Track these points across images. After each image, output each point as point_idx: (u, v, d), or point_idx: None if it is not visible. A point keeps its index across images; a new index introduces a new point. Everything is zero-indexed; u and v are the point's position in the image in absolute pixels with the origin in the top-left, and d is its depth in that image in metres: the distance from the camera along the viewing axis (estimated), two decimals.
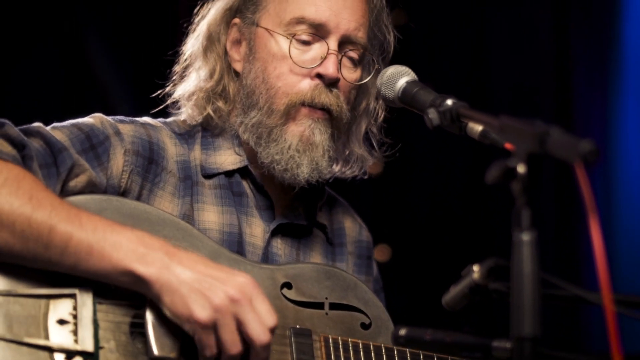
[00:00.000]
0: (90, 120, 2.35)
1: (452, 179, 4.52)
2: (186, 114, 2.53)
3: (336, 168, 2.61)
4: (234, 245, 2.41)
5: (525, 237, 1.54)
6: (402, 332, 1.81)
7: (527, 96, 4.46)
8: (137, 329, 2.10)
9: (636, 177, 4.18)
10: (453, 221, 4.48)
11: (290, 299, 2.32)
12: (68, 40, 4.23)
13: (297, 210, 2.55)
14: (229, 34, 2.52)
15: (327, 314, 2.36)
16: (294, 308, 2.31)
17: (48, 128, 2.25)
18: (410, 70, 2.36)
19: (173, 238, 2.21)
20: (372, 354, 2.33)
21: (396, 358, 2.36)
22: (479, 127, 2.06)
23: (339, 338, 2.31)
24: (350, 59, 2.48)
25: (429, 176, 4.52)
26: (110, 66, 4.30)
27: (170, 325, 2.08)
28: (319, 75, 2.42)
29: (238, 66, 2.51)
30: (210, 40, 2.51)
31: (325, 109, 2.43)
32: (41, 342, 2.01)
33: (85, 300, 2.07)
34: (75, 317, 2.05)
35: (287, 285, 2.33)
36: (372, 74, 2.50)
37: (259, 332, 2.06)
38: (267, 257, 2.46)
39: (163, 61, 2.66)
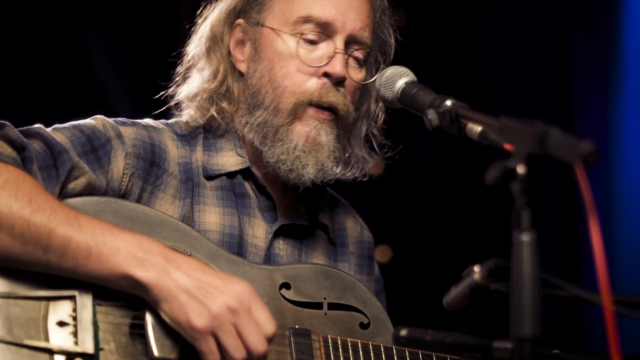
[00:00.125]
0: (92, 122, 2.35)
1: (452, 179, 4.51)
2: (189, 115, 2.52)
3: (337, 170, 2.61)
4: (235, 246, 2.41)
5: (525, 237, 1.54)
6: (403, 332, 1.81)
7: (527, 96, 4.46)
8: (137, 330, 2.10)
9: (636, 177, 4.18)
10: (453, 222, 4.48)
11: (289, 299, 2.32)
12: (68, 40, 4.23)
13: (299, 211, 2.55)
14: (232, 34, 2.52)
15: (325, 314, 2.36)
16: (293, 308, 2.31)
17: (49, 130, 2.25)
18: (409, 71, 2.36)
19: (172, 239, 2.21)
20: (371, 353, 2.33)
21: (395, 357, 2.36)
22: (478, 128, 2.06)
23: (338, 338, 2.32)
24: (356, 59, 2.48)
25: (429, 177, 4.51)
26: (110, 66, 4.30)
27: (170, 327, 2.08)
28: (326, 75, 2.42)
29: (242, 66, 2.51)
30: (214, 41, 2.51)
31: (332, 109, 2.43)
32: (41, 344, 2.01)
33: (85, 302, 2.07)
34: (75, 318, 2.05)
35: (286, 285, 2.33)
36: (375, 75, 2.50)
37: (256, 341, 2.06)
38: (269, 258, 2.46)
39: (163, 62, 2.66)
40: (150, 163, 2.37)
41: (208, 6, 2.58)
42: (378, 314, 2.44)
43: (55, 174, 2.16)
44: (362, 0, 2.49)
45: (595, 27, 4.42)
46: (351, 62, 2.47)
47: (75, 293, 2.07)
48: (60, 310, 2.05)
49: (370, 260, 2.74)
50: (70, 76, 4.25)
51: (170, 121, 2.54)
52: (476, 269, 1.74)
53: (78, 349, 2.02)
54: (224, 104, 2.49)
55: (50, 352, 2.01)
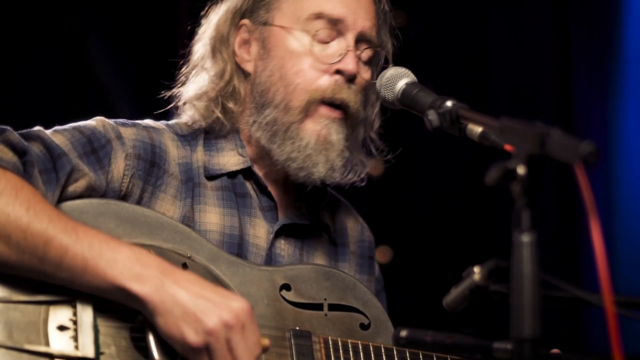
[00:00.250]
0: (92, 123, 2.35)
1: (452, 180, 4.51)
2: (192, 116, 2.52)
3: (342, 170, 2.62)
4: (235, 247, 2.41)
5: (525, 238, 1.53)
6: (403, 333, 1.81)
7: (527, 96, 4.46)
8: (138, 334, 2.09)
9: (636, 177, 4.18)
10: (453, 222, 4.48)
11: (289, 300, 2.32)
12: (68, 40, 4.23)
13: (300, 210, 2.55)
14: (237, 35, 2.52)
15: (326, 315, 2.36)
16: (293, 310, 2.31)
17: (49, 132, 2.25)
18: (409, 72, 2.36)
19: (171, 241, 2.20)
20: (372, 354, 2.33)
21: (396, 358, 2.36)
22: (478, 129, 2.06)
23: (339, 339, 2.31)
24: (365, 57, 2.49)
25: (429, 177, 4.51)
26: (110, 67, 4.30)
27: None
28: (338, 72, 2.43)
29: (249, 66, 2.51)
30: (219, 42, 2.51)
31: (343, 107, 2.43)
32: (42, 348, 2.00)
33: (85, 306, 2.06)
34: (75, 322, 2.04)
35: (286, 286, 2.33)
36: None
37: None
38: (270, 258, 2.46)
39: (164, 62, 2.66)
40: (150, 164, 2.37)
41: (212, 8, 2.58)
42: (378, 314, 2.44)
43: (55, 178, 2.15)
44: (369, 1, 2.51)
45: (595, 27, 4.42)
46: (361, 60, 2.48)
47: (76, 297, 2.05)
48: (61, 314, 2.04)
49: (371, 260, 2.74)
50: (70, 76, 4.25)
51: (170, 122, 2.54)
52: (476, 269, 1.74)
53: (79, 354, 2.02)
54: (230, 104, 2.49)
55: (51, 356, 2.01)
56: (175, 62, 2.62)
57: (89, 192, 2.23)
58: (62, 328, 2.03)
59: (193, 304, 2.03)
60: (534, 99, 4.48)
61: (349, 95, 2.43)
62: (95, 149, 2.28)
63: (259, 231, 2.47)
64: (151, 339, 2.06)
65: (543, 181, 4.28)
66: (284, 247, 2.49)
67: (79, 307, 2.06)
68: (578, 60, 4.44)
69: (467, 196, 4.46)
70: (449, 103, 2.11)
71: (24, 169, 2.09)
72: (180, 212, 2.37)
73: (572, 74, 4.44)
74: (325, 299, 2.37)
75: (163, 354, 2.06)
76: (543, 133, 1.56)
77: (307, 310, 2.33)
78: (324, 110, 2.42)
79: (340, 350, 2.30)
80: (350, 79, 2.44)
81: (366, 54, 2.49)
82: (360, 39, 2.47)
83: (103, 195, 2.26)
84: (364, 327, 2.41)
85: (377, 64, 2.55)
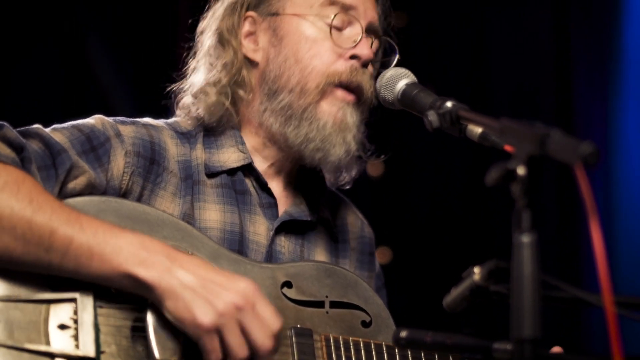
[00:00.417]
0: (91, 121, 2.35)
1: (452, 180, 4.52)
2: (199, 109, 2.52)
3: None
4: (235, 244, 2.41)
5: (526, 238, 1.54)
6: (403, 334, 1.81)
7: (527, 97, 4.46)
8: (139, 333, 2.09)
9: (636, 177, 4.18)
10: (453, 223, 4.48)
11: (290, 298, 2.32)
12: (68, 40, 4.23)
13: (300, 206, 2.56)
14: (242, 26, 2.54)
15: (327, 312, 2.36)
16: (295, 307, 2.31)
17: (48, 130, 2.25)
18: (409, 72, 2.37)
19: (172, 239, 2.20)
20: (373, 352, 2.33)
21: (397, 357, 2.36)
22: (478, 129, 2.06)
23: (340, 337, 2.31)
24: (374, 48, 2.53)
25: (429, 177, 4.52)
26: (110, 66, 4.30)
27: (172, 329, 2.07)
28: (352, 57, 2.46)
29: (257, 55, 2.52)
30: (228, 32, 2.53)
31: (357, 91, 2.46)
32: (42, 348, 2.00)
33: (86, 305, 2.06)
34: (76, 321, 2.04)
35: (288, 284, 2.33)
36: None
37: (263, 339, 2.06)
38: (270, 255, 2.46)
39: (163, 62, 2.66)
40: (150, 161, 2.37)
41: (214, 3, 2.60)
42: (380, 312, 2.44)
43: (54, 174, 2.16)
44: None
45: (595, 27, 4.42)
46: (373, 47, 2.52)
47: (76, 295, 2.05)
48: (61, 313, 2.04)
49: (371, 256, 2.74)
50: (70, 76, 4.25)
51: (170, 120, 2.55)
52: (476, 270, 1.74)
53: (79, 353, 2.02)
54: (240, 92, 2.51)
55: (52, 355, 2.00)
56: (175, 62, 2.62)
57: (89, 190, 2.24)
58: (62, 327, 2.03)
59: (201, 286, 2.03)
60: (534, 99, 4.48)
61: (365, 80, 2.47)
62: (95, 147, 2.28)
63: (259, 228, 2.48)
64: (152, 337, 2.06)
65: (544, 182, 4.29)
66: (284, 244, 2.50)
67: (80, 306, 2.06)
68: (578, 60, 4.44)
69: (467, 196, 4.47)
70: (449, 104, 2.11)
71: (22, 165, 2.09)
72: (180, 210, 2.37)
73: (572, 74, 4.44)
74: (326, 297, 2.37)
75: (164, 352, 2.06)
76: (543, 134, 1.56)
77: (308, 308, 2.32)
78: (340, 92, 2.45)
79: (342, 348, 2.30)
80: (364, 64, 2.47)
81: (375, 44, 2.53)
82: (369, 29, 2.51)
83: (104, 193, 2.27)
84: (366, 324, 2.41)
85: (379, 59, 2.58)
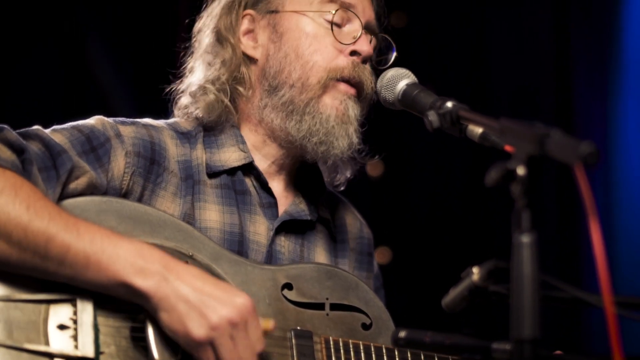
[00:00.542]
0: (91, 122, 2.35)
1: (452, 180, 4.52)
2: (198, 108, 2.52)
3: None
4: (235, 244, 2.41)
5: (525, 238, 1.54)
6: (402, 334, 1.81)
7: (527, 97, 4.46)
8: (138, 334, 2.08)
9: (636, 177, 4.18)
10: (453, 223, 4.48)
11: (291, 300, 2.31)
12: (68, 40, 4.23)
13: (299, 206, 2.56)
14: (241, 24, 2.55)
15: (327, 314, 2.35)
16: (295, 309, 2.31)
17: (48, 131, 2.25)
18: (410, 73, 2.37)
19: (174, 239, 2.20)
20: (373, 355, 2.33)
21: (397, 359, 2.36)
22: (479, 130, 2.06)
23: (340, 339, 2.31)
24: (372, 46, 2.55)
25: (429, 178, 4.52)
26: (110, 66, 4.30)
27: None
28: (353, 54, 2.48)
29: (256, 52, 2.54)
30: (226, 30, 2.54)
31: (359, 86, 2.49)
32: (41, 348, 2.00)
33: (86, 305, 2.06)
34: (75, 322, 2.04)
35: (288, 286, 2.32)
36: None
37: (248, 358, 2.06)
38: (271, 255, 2.46)
39: (163, 62, 2.66)
40: (150, 161, 2.37)
41: (211, 2, 2.61)
42: (380, 314, 2.44)
43: (55, 175, 2.15)
44: None
45: (595, 27, 4.42)
46: (371, 44, 2.54)
47: (76, 296, 2.05)
48: (61, 313, 2.04)
49: (370, 257, 2.74)
50: (70, 76, 4.25)
51: (170, 120, 2.56)
52: (475, 270, 1.74)
53: (78, 353, 2.01)
54: (240, 89, 2.52)
55: (51, 356, 2.00)
56: (174, 62, 2.62)
57: (91, 190, 2.23)
58: (62, 327, 2.03)
59: (197, 299, 2.03)
60: (534, 99, 4.48)
61: (365, 76, 2.49)
62: (95, 147, 2.28)
63: (259, 228, 2.48)
64: (151, 338, 2.06)
65: (544, 182, 4.29)
66: (284, 244, 2.50)
67: (80, 306, 2.05)
68: (578, 60, 4.44)
69: (467, 196, 4.47)
70: (449, 104, 2.11)
71: (23, 167, 2.08)
72: (181, 210, 2.37)
73: (572, 74, 4.45)
74: (327, 299, 2.37)
75: (163, 353, 2.06)
76: (543, 134, 1.56)
77: (308, 310, 2.32)
78: (342, 86, 2.48)
79: (341, 351, 2.30)
80: (364, 60, 2.50)
81: (373, 42, 2.55)
82: (367, 27, 2.53)
83: (105, 193, 2.26)
84: (366, 327, 2.41)
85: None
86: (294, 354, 2.23)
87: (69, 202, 2.14)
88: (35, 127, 2.23)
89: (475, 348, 1.77)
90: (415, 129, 2.48)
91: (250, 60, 2.55)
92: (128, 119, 2.43)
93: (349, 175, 2.67)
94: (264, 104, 2.51)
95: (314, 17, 2.49)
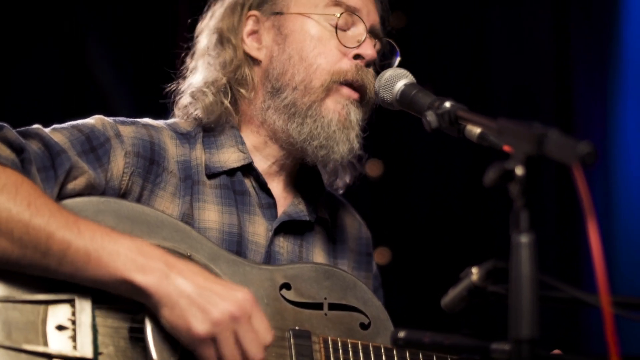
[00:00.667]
0: (91, 121, 2.35)
1: (451, 181, 4.51)
2: (197, 109, 2.52)
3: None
4: (234, 244, 2.41)
5: (524, 239, 1.54)
6: (401, 334, 1.81)
7: (527, 97, 4.46)
8: (137, 334, 2.08)
9: (636, 177, 4.17)
10: (452, 223, 4.48)
11: (289, 300, 2.32)
12: (68, 40, 4.23)
13: (298, 206, 2.56)
14: (245, 25, 2.55)
15: (326, 314, 2.36)
16: (293, 309, 2.31)
17: (48, 130, 2.25)
18: (408, 73, 2.38)
19: (172, 240, 2.20)
20: (372, 354, 2.33)
21: (395, 358, 2.36)
22: (477, 130, 2.07)
23: (338, 339, 2.31)
24: (376, 50, 2.55)
25: (429, 178, 4.51)
26: (110, 66, 4.30)
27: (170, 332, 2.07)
28: (356, 57, 2.49)
29: (260, 54, 2.54)
30: (228, 31, 2.54)
31: (362, 90, 2.49)
32: (40, 348, 2.00)
33: (84, 306, 2.06)
34: (74, 322, 2.04)
35: (286, 286, 2.33)
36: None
37: (255, 351, 2.06)
38: (269, 255, 2.46)
39: (163, 62, 2.66)
40: (150, 161, 2.37)
41: (214, 3, 2.62)
42: (379, 314, 2.44)
43: (53, 175, 2.16)
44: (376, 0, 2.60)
45: (595, 27, 4.42)
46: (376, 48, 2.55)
47: (75, 296, 2.05)
48: (59, 313, 2.04)
49: (369, 257, 2.75)
50: (70, 76, 4.25)
51: (169, 120, 2.56)
52: (474, 270, 1.74)
53: (77, 354, 2.01)
54: (242, 90, 2.52)
55: (49, 356, 2.00)
56: (175, 62, 2.62)
57: (89, 190, 2.24)
58: (60, 328, 2.03)
59: (198, 295, 2.03)
60: (534, 99, 4.48)
61: (368, 80, 2.49)
62: (94, 147, 2.28)
63: (258, 229, 2.48)
64: (150, 338, 2.06)
65: (544, 181, 4.29)
66: (283, 245, 2.50)
67: (78, 307, 2.05)
68: (578, 60, 4.44)
69: (466, 196, 4.46)
70: (447, 104, 2.12)
71: (22, 166, 2.09)
72: (180, 210, 2.37)
73: (572, 74, 4.44)
74: (325, 298, 2.37)
75: (162, 353, 2.06)
76: (541, 133, 1.56)
77: (307, 310, 2.33)
78: (345, 90, 2.48)
79: (340, 351, 2.30)
80: (368, 64, 2.50)
81: (377, 46, 2.56)
82: (371, 31, 2.53)
83: (103, 193, 2.27)
84: (364, 326, 2.41)
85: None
86: (293, 354, 2.23)
87: (67, 203, 2.14)
88: (36, 126, 2.23)
89: (474, 348, 1.77)
90: (415, 129, 2.47)
91: (254, 61, 2.55)
92: (128, 119, 2.43)
93: (348, 181, 2.68)
94: (266, 105, 2.51)
95: (319, 20, 2.49)
